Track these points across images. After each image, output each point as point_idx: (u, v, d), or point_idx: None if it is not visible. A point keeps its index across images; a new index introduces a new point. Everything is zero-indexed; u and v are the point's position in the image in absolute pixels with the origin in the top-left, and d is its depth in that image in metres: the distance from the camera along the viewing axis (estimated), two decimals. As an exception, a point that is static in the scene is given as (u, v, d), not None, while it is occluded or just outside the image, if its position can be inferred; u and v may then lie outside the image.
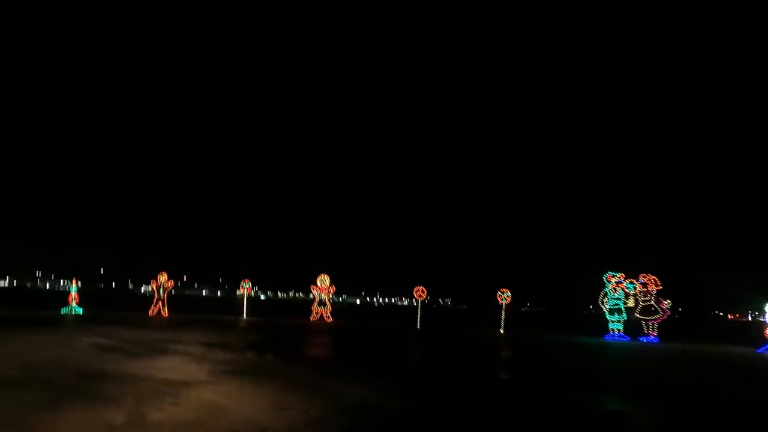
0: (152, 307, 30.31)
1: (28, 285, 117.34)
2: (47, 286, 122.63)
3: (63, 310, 28.58)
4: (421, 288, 29.36)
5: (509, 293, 28.11)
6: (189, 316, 31.24)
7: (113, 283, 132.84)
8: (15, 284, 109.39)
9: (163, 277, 30.72)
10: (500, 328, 27.89)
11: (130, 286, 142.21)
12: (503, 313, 28.08)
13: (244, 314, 30.72)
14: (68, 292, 29.61)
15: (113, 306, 37.28)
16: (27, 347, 11.50)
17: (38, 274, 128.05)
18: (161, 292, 30.51)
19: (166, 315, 29.90)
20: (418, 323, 29.22)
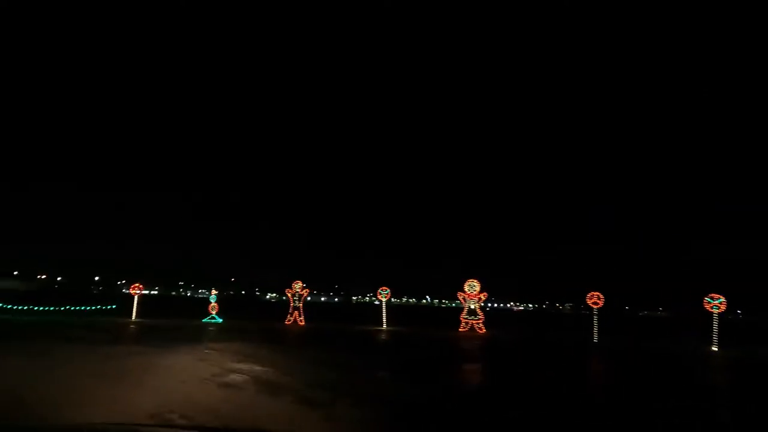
0: (288, 316, 28.64)
1: (173, 293, 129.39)
2: (188, 294, 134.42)
3: (204, 320, 28.01)
4: (596, 294, 23.82)
5: (722, 299, 21.55)
6: (325, 324, 29.07)
7: (242, 291, 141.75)
8: (160, 293, 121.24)
9: (297, 285, 28.96)
10: (712, 343, 21.42)
11: (257, 293, 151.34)
12: (714, 323, 21.55)
13: (384, 324, 27.64)
14: (208, 302, 29.02)
15: (249, 315, 36.68)
16: (168, 382, 8.87)
17: (180, 283, 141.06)
18: (296, 300, 28.76)
19: (303, 324, 28.02)
20: (595, 335, 23.69)
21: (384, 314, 27.74)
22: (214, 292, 29.67)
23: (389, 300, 27.98)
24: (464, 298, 25.96)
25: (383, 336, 23.50)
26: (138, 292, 28.99)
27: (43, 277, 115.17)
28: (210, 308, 28.60)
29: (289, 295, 29.09)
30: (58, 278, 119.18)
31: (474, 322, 25.56)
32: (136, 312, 27.99)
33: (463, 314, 25.97)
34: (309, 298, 28.81)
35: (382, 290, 27.97)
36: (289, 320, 28.43)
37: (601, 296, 23.90)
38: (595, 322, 23.82)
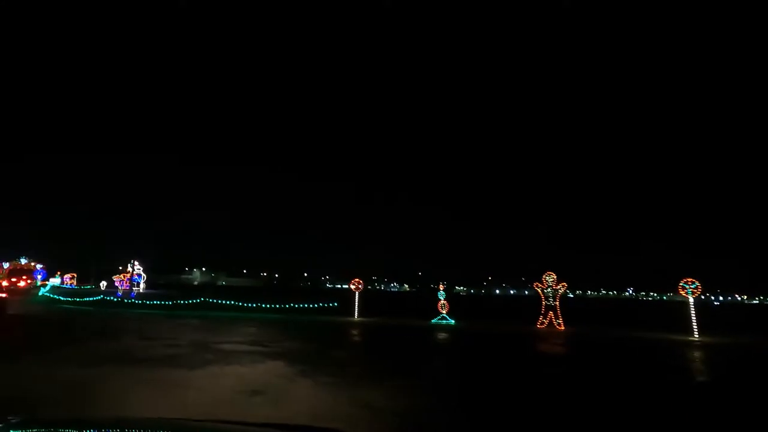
0: (541, 318, 21.90)
1: (369, 287, 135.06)
2: (381, 288, 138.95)
3: (434, 321, 23.13)
4: None
5: None
6: (589, 328, 21.53)
7: (431, 285, 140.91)
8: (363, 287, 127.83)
9: (550, 278, 22.04)
10: None
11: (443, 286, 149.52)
12: None
13: (696, 332, 18.79)
14: (437, 299, 24.05)
15: (480, 313, 30.99)
16: None
17: (374, 278, 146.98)
18: (550, 298, 21.86)
19: (563, 329, 21.00)
20: None
21: (694, 318, 18.83)
22: (441, 287, 24.57)
23: (698, 297, 18.89)
24: None
25: (699, 354, 14.87)
26: (359, 287, 25.62)
27: (265, 274, 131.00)
28: (439, 306, 23.61)
29: (538, 290, 22.36)
30: (276, 275, 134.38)
31: None
32: (358, 310, 24.62)
33: None
34: (566, 292, 21.69)
35: (686, 282, 19.09)
36: (543, 323, 21.69)
37: None
38: None
